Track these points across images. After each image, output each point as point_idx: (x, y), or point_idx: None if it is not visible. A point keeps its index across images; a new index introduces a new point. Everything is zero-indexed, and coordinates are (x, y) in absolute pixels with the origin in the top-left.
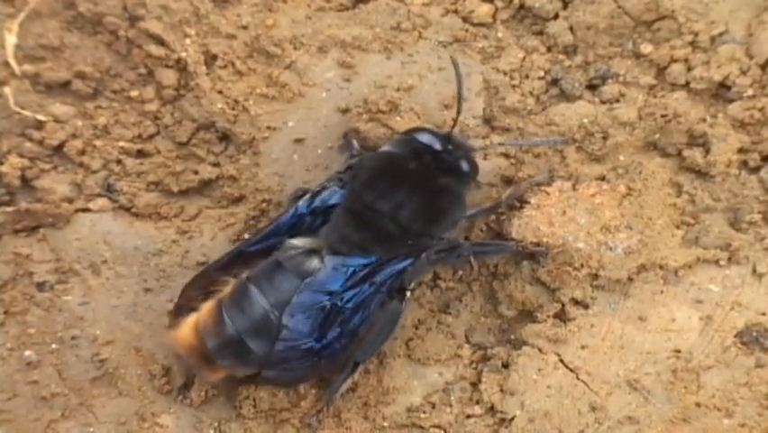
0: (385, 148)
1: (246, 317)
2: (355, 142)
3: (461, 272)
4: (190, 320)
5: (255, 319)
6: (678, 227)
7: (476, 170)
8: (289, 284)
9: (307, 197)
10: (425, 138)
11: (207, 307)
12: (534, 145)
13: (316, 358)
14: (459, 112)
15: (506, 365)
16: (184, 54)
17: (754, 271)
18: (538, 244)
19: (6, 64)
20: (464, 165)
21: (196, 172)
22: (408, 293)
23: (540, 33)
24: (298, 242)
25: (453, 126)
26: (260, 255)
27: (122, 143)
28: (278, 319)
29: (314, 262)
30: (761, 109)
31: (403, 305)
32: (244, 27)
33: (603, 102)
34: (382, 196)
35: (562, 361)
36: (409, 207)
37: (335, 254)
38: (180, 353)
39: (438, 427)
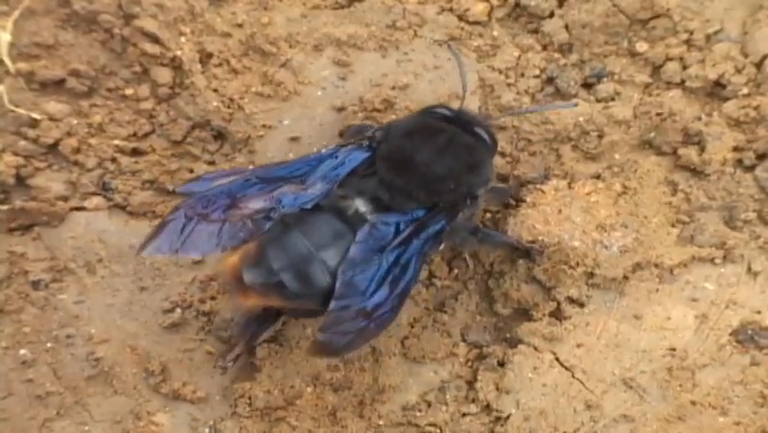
0: (407, 118)
1: (289, 259)
2: (367, 123)
3: (456, 271)
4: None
5: (297, 261)
6: (673, 226)
7: (495, 140)
8: (336, 233)
9: (332, 147)
10: (441, 110)
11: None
12: (544, 110)
13: (367, 321)
14: (465, 91)
15: (501, 364)
16: (179, 52)
17: (750, 269)
18: (534, 243)
19: (0, 62)
20: (483, 133)
21: (191, 171)
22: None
23: (535, 32)
24: (343, 191)
25: (462, 104)
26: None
27: (117, 142)
28: (324, 266)
29: (360, 216)
30: (756, 107)
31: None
32: (239, 25)
33: (598, 100)
34: (421, 145)
35: (557, 359)
36: (448, 154)
37: (378, 208)
38: (222, 272)
39: (434, 425)
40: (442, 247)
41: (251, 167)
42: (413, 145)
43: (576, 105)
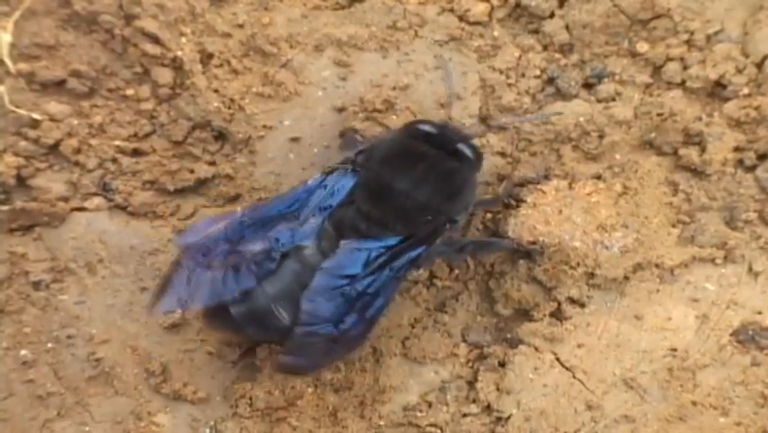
0: (391, 137)
1: (252, 314)
2: (359, 136)
3: (457, 271)
4: None
5: (259, 313)
6: (674, 226)
7: (480, 156)
8: (298, 275)
9: (317, 176)
10: (426, 127)
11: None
12: (537, 119)
13: (333, 344)
14: (450, 103)
15: (502, 364)
16: (180, 53)
17: (750, 269)
18: (534, 243)
19: (1, 62)
20: (468, 150)
21: (191, 171)
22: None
23: (536, 32)
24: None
25: (448, 114)
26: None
27: (117, 142)
28: (281, 313)
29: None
30: (756, 108)
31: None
32: (240, 26)
33: (599, 101)
34: (399, 174)
35: (558, 359)
36: (427, 184)
37: (353, 236)
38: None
39: (434, 425)
40: (420, 271)
41: (238, 209)
42: (391, 174)
43: (561, 113)
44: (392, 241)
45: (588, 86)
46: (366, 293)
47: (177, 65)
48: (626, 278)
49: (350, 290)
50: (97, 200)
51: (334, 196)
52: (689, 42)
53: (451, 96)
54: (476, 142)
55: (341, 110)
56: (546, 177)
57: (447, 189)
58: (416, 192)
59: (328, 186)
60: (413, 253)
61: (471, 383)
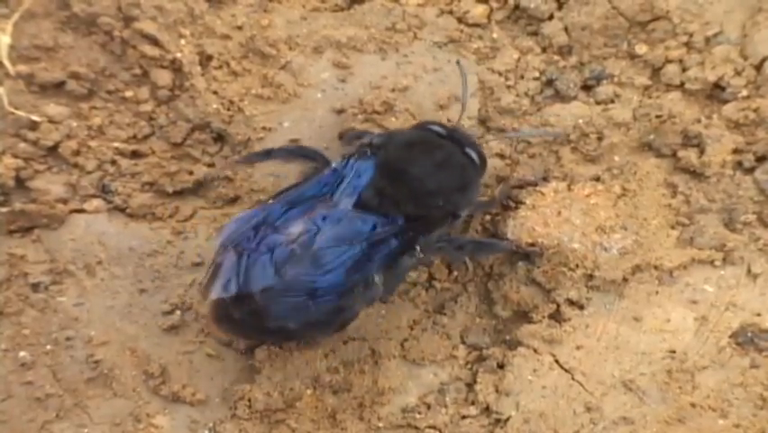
0: (405, 130)
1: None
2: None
3: (456, 273)
4: None
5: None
6: (673, 228)
7: (485, 161)
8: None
9: (340, 160)
10: (437, 128)
11: None
12: (531, 136)
13: (307, 298)
14: (464, 107)
15: (501, 366)
16: (179, 55)
17: (749, 271)
18: (533, 245)
19: (0, 64)
20: (474, 155)
21: (191, 173)
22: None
23: (535, 34)
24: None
25: (460, 119)
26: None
27: (116, 144)
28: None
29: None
30: (755, 110)
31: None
32: (239, 27)
33: (598, 102)
34: (418, 159)
35: (557, 361)
36: (443, 172)
37: (364, 208)
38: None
39: (433, 427)
40: (416, 275)
41: (270, 201)
42: (411, 157)
43: (561, 134)
44: (397, 220)
45: (586, 87)
46: (360, 260)
47: (176, 67)
48: (625, 280)
49: (348, 250)
50: (96, 202)
51: (362, 177)
52: (687, 44)
53: (464, 103)
54: (482, 148)
55: (340, 112)
56: (545, 178)
57: (460, 180)
58: (433, 177)
59: (355, 168)
60: (407, 237)
61: (470, 385)
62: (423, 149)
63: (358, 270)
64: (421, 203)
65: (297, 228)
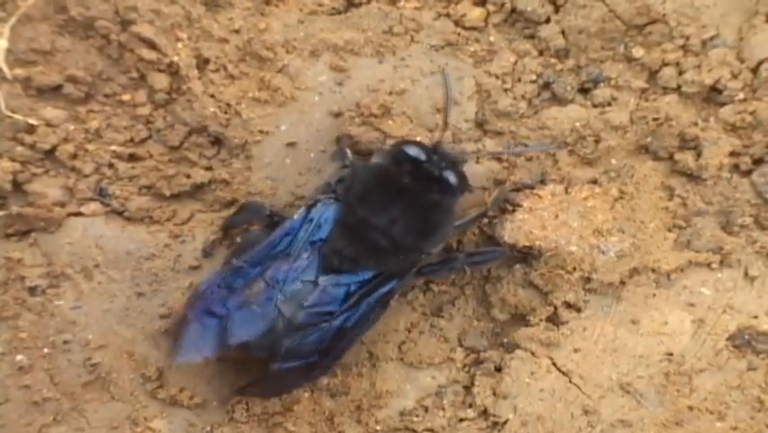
0: (375, 160)
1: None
2: (348, 151)
3: (453, 276)
4: None
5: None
6: (670, 231)
7: (465, 183)
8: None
9: (301, 210)
10: (413, 151)
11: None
12: (527, 152)
13: (304, 376)
14: (446, 124)
15: (498, 369)
16: (176, 58)
17: (746, 274)
18: (531, 248)
19: None
20: (453, 179)
21: (188, 176)
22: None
23: (532, 37)
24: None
25: (441, 136)
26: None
27: (114, 147)
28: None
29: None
30: (752, 112)
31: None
32: (236, 31)
33: (595, 105)
34: (376, 210)
35: (554, 364)
36: (403, 222)
37: (330, 272)
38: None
39: (431, 430)
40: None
41: (233, 260)
42: (367, 210)
43: (557, 146)
44: (367, 275)
45: (584, 91)
46: (343, 327)
47: (173, 70)
48: (623, 282)
49: (328, 327)
50: (94, 205)
51: (322, 228)
52: (684, 47)
53: (446, 112)
54: (463, 168)
55: (337, 115)
56: (542, 181)
57: (424, 227)
58: (391, 231)
59: (314, 219)
60: (385, 288)
61: (468, 388)
62: (382, 197)
63: (342, 336)
64: (383, 259)
65: (255, 289)
